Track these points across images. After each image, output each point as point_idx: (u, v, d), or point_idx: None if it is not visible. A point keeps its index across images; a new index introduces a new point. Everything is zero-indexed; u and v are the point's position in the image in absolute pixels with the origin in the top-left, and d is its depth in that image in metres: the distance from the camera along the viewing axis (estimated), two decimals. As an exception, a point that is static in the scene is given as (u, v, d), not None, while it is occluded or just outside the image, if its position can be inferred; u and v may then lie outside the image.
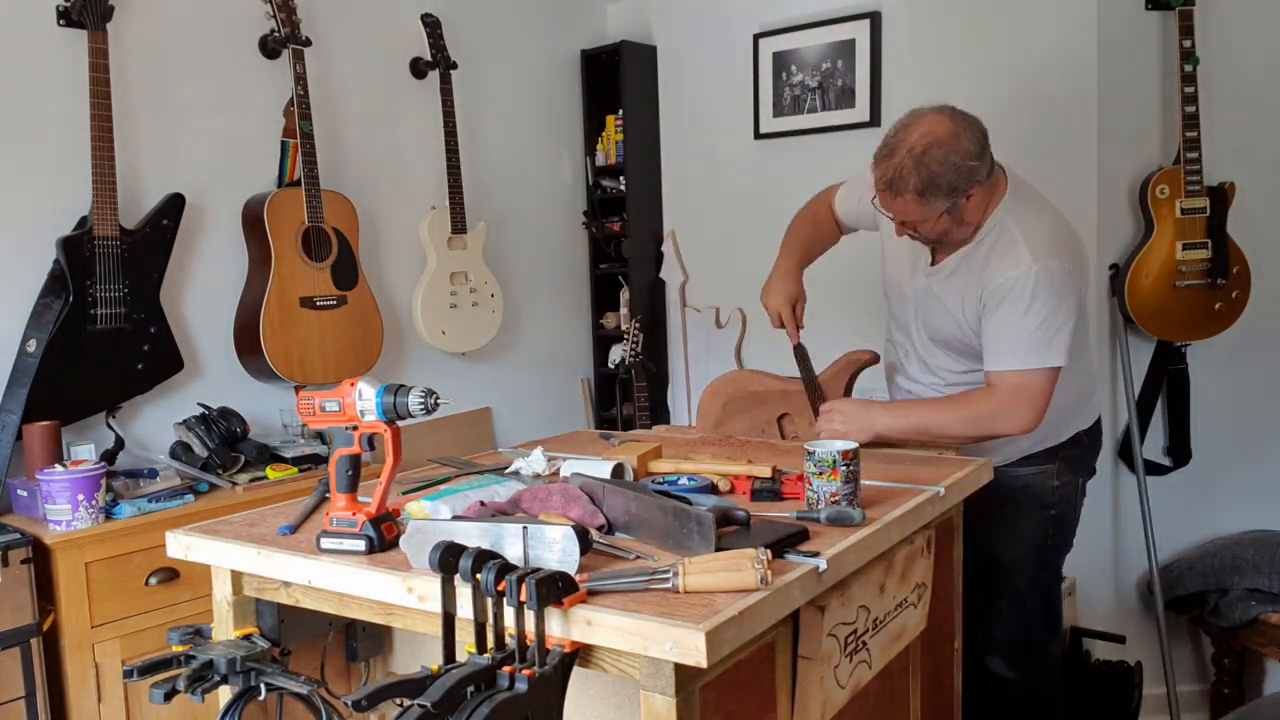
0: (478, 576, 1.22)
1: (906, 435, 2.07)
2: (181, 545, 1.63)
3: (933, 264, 2.14)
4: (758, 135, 3.75)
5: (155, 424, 2.76)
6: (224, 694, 1.56)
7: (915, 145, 1.92)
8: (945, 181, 1.92)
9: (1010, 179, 2.06)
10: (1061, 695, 2.42)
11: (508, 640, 1.23)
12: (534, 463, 1.89)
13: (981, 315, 2.04)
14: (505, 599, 1.22)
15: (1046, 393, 1.98)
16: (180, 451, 2.66)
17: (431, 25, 3.37)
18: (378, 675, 1.88)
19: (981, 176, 1.96)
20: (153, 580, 2.38)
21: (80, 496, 2.27)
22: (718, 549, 1.33)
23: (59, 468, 2.30)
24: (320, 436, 2.93)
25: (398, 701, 1.20)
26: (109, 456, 2.56)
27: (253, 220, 2.88)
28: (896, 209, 2.00)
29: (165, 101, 2.79)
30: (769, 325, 2.32)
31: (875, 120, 3.40)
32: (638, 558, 1.38)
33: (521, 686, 1.17)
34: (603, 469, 1.73)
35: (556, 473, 1.86)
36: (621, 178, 3.97)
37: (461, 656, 1.25)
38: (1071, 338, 1.98)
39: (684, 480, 1.74)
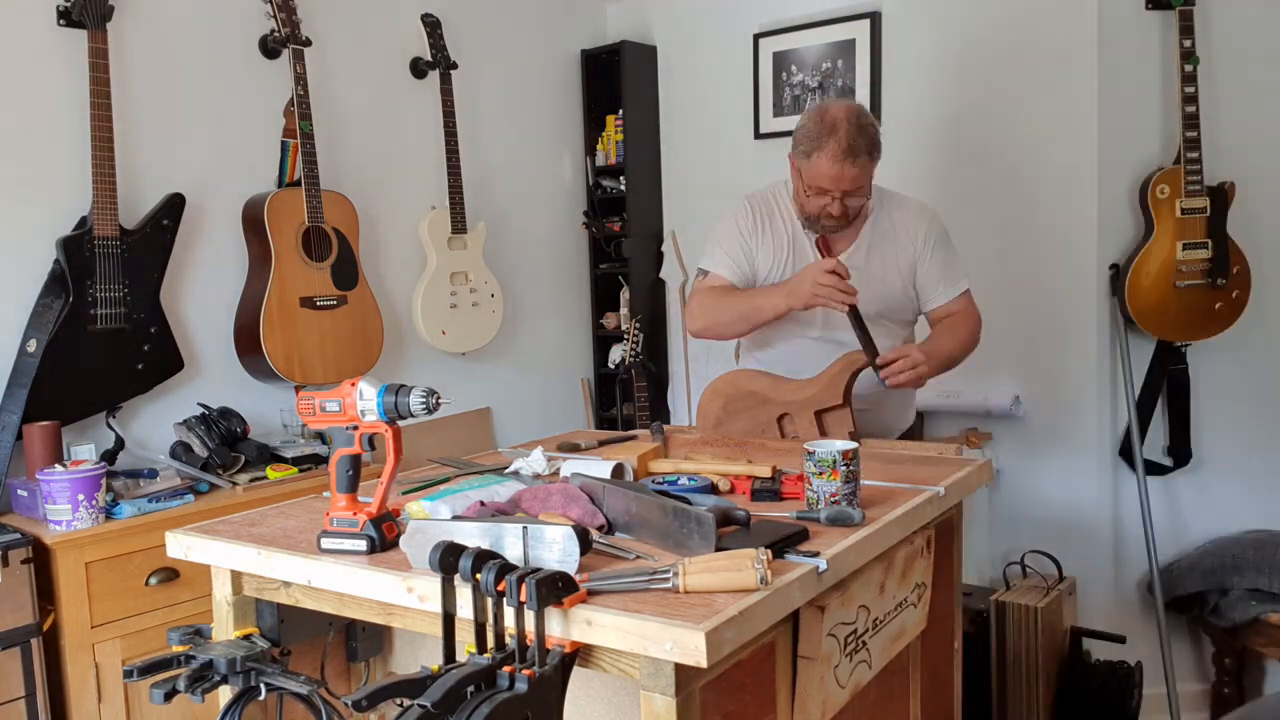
0: (478, 576, 1.22)
1: (936, 370, 2.22)
2: (181, 545, 1.63)
3: (830, 255, 2.23)
4: (758, 135, 3.75)
5: (155, 424, 2.76)
6: (224, 694, 1.56)
7: (849, 116, 2.14)
8: (878, 141, 2.16)
9: None
10: None
11: (508, 640, 1.23)
12: (534, 463, 1.89)
13: (919, 260, 2.32)
14: (505, 599, 1.21)
15: None
16: (180, 451, 2.66)
17: (431, 25, 3.37)
18: (378, 675, 1.88)
19: None
20: (153, 580, 2.39)
21: (80, 496, 2.27)
22: (718, 549, 1.33)
23: (59, 468, 2.30)
24: (320, 436, 2.93)
25: (398, 701, 1.20)
26: (109, 456, 2.56)
27: (253, 220, 2.88)
28: (849, 179, 2.15)
29: (165, 101, 2.79)
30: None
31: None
32: (638, 558, 1.38)
33: (521, 686, 1.17)
34: (603, 469, 1.73)
35: (556, 473, 1.86)
36: (621, 178, 3.97)
37: (461, 656, 1.25)
38: None
39: (684, 480, 1.74)
